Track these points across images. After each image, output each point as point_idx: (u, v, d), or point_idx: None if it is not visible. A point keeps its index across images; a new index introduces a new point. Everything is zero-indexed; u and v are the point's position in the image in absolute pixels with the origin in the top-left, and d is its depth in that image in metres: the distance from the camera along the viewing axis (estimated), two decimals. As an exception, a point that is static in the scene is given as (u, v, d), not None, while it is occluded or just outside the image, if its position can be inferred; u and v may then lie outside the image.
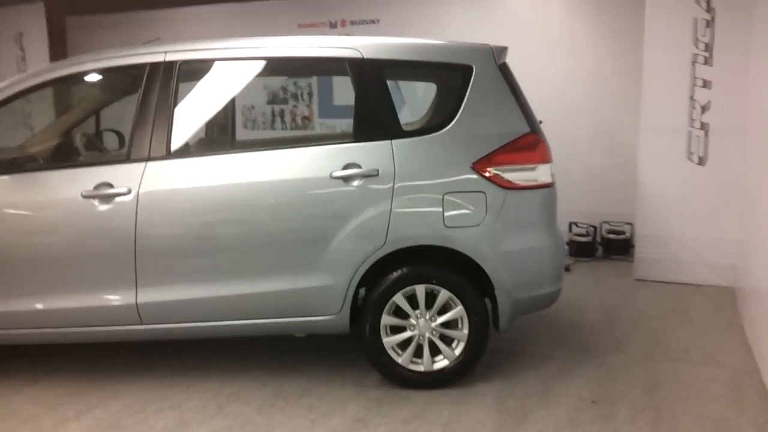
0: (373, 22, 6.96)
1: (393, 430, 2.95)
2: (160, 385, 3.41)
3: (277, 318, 3.31)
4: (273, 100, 7.32)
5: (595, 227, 6.23)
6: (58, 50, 7.93)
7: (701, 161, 5.17)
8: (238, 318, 3.30)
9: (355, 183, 3.22)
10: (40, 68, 3.45)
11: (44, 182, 3.28)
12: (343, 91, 5.99)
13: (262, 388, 3.37)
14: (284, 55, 3.46)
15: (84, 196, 3.20)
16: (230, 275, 3.24)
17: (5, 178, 3.29)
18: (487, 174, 3.24)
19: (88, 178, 3.24)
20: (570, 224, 6.27)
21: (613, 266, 5.89)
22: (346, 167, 3.22)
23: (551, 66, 6.28)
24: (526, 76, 6.19)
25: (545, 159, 3.37)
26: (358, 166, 3.22)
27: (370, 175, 3.21)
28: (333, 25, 7.14)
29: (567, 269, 5.79)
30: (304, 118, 7.21)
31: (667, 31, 5.12)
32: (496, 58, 3.40)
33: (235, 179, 3.25)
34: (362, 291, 3.35)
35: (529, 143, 3.33)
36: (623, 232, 6.09)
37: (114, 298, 3.22)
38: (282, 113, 7.32)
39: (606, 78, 6.18)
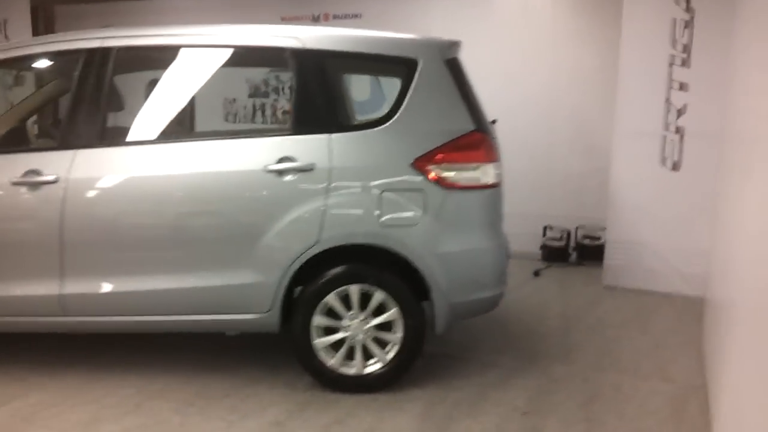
0: (356, 16, 6.84)
1: (310, 435, 2.86)
2: (83, 379, 3.34)
3: (204, 315, 3.22)
4: (254, 93, 7.22)
5: (569, 232, 6.08)
6: (44, 37, 7.89)
7: (675, 166, 5.02)
8: (165, 313, 3.21)
9: (289, 177, 3.11)
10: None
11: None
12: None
13: (186, 386, 3.28)
14: (224, 44, 3.36)
15: (13, 183, 3.13)
16: (156, 269, 3.16)
17: None
18: (426, 172, 3.12)
19: (19, 164, 3.16)
20: (544, 228, 6.14)
21: (585, 272, 5.75)
22: (280, 161, 3.12)
23: (530, 64, 6.13)
24: (504, 74, 6.16)
25: (489, 158, 3.24)
26: (293, 160, 3.12)
27: (305, 170, 3.11)
28: (316, 19, 7.02)
29: (537, 274, 5.68)
30: (285, 112, 7.11)
31: (644, 31, 4.97)
32: (443, 53, 3.28)
33: (164, 170, 3.16)
34: (299, 290, 3.25)
35: (472, 142, 3.21)
36: (598, 238, 5.94)
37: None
38: (263, 107, 7.22)
39: (586, 78, 6.01)
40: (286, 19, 7.08)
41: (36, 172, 3.13)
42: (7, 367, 3.45)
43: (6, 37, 7.68)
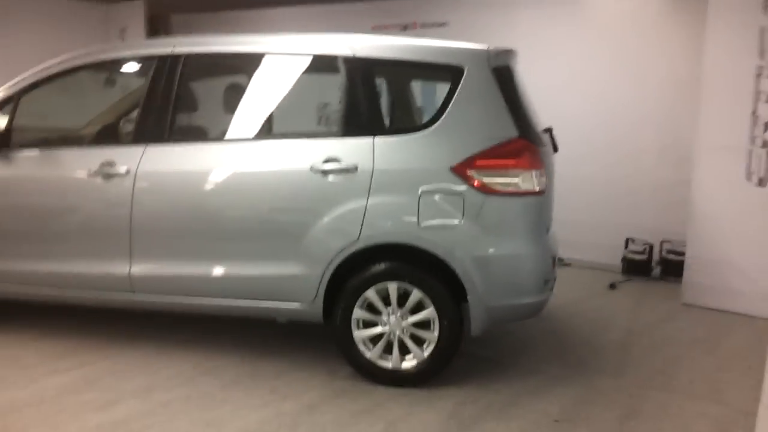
0: (443, 24, 6.96)
1: (337, 420, 3.00)
2: (149, 353, 3.69)
3: (255, 300, 3.46)
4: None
5: (652, 245, 5.84)
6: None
7: (761, 182, 4.70)
8: (221, 296, 3.49)
9: (334, 177, 3.29)
10: (66, 56, 3.78)
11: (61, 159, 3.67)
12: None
13: (238, 366, 3.54)
14: (280, 52, 3.60)
15: (90, 174, 3.53)
16: (212, 255, 3.44)
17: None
18: (466, 177, 3.19)
19: (96, 158, 3.56)
20: (627, 240, 5.93)
21: (666, 289, 5.50)
22: (326, 161, 3.31)
23: (617, 73, 5.96)
24: (590, 82, 6.03)
25: (532, 166, 3.25)
26: (338, 161, 3.30)
27: (349, 171, 3.28)
28: (405, 28, 7.21)
29: (612, 287, 5.52)
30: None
31: (730, 41, 4.70)
32: (491, 61, 3.34)
33: (221, 167, 3.44)
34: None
35: (514, 149, 3.24)
36: (683, 253, 5.66)
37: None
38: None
39: (673, 88, 5.75)
40: (376, 28, 7.32)
41: (110, 164, 3.51)
42: (87, 337, 3.87)
43: (125, 43, 8.49)
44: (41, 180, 3.65)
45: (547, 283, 3.38)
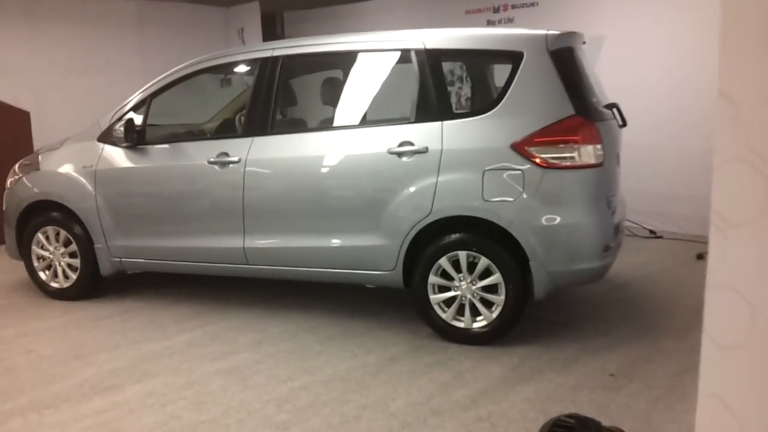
0: (532, 4, 7.13)
1: (413, 369, 3.47)
2: (261, 314, 4.35)
3: (345, 269, 4.00)
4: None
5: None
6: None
7: None
8: (315, 266, 4.07)
9: (407, 158, 3.74)
10: (187, 63, 4.48)
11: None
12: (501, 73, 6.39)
13: (333, 325, 4.11)
14: (359, 49, 4.06)
15: (209, 162, 4.20)
16: (309, 230, 4.01)
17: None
18: (525, 154, 3.52)
19: (214, 149, 4.23)
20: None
21: None
22: (401, 144, 3.75)
23: (711, 51, 5.89)
24: (686, 60, 5.97)
25: (589, 140, 3.52)
26: (411, 144, 3.73)
27: (420, 152, 3.71)
28: (496, 10, 7.45)
29: (700, 257, 5.55)
30: (468, 99, 7.68)
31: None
32: (549, 45, 3.62)
33: (315, 153, 3.99)
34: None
35: (571, 126, 3.52)
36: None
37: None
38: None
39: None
40: (470, 12, 7.63)
41: (225, 154, 4.16)
42: (211, 302, 4.61)
43: (243, 41, 9.32)
44: (171, 168, 4.38)
45: (607, 249, 3.64)
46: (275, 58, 4.15)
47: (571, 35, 3.80)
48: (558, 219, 3.53)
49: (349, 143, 3.94)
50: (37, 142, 6.52)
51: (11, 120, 6.71)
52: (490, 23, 7.50)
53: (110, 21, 8.36)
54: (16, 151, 5.84)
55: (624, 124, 4.09)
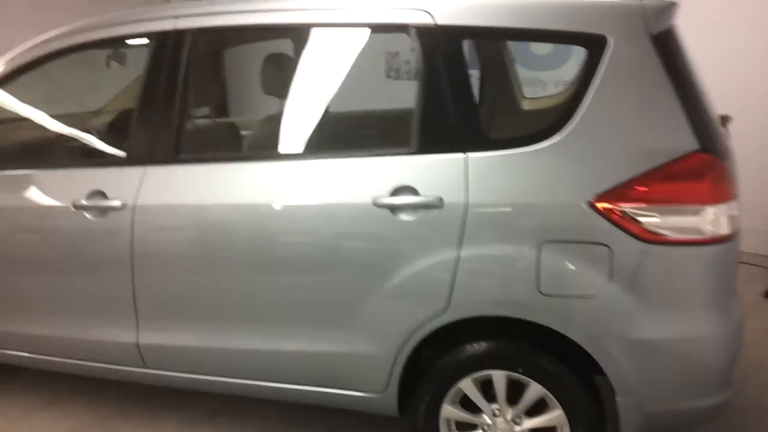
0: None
1: None
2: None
3: (307, 386, 2.47)
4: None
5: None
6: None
7: None
8: (259, 378, 2.53)
9: (407, 216, 2.19)
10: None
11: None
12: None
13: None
14: (322, 22, 2.43)
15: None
16: (238, 323, 2.46)
17: None
18: (615, 217, 2.01)
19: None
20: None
21: None
22: (395, 192, 2.20)
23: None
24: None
25: (720, 196, 2.02)
26: (414, 192, 2.18)
27: (430, 206, 2.17)
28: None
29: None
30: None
31: None
32: (649, 24, 2.08)
33: (247, 199, 2.39)
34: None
35: (693, 168, 2.01)
36: None
37: None
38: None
39: None
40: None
41: (101, 194, 2.54)
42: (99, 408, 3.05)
43: None
44: (15, 212, 2.74)
45: (731, 374, 2.19)
46: (179, 34, 2.51)
47: (671, 7, 2.25)
48: (669, 329, 2.04)
49: (311, 185, 2.35)
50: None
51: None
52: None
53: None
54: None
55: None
